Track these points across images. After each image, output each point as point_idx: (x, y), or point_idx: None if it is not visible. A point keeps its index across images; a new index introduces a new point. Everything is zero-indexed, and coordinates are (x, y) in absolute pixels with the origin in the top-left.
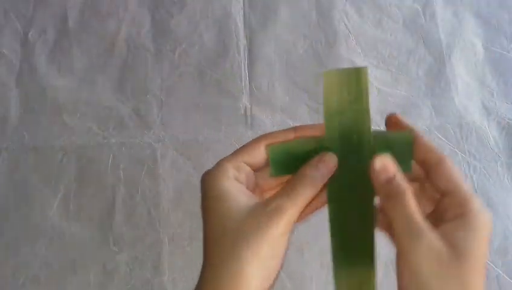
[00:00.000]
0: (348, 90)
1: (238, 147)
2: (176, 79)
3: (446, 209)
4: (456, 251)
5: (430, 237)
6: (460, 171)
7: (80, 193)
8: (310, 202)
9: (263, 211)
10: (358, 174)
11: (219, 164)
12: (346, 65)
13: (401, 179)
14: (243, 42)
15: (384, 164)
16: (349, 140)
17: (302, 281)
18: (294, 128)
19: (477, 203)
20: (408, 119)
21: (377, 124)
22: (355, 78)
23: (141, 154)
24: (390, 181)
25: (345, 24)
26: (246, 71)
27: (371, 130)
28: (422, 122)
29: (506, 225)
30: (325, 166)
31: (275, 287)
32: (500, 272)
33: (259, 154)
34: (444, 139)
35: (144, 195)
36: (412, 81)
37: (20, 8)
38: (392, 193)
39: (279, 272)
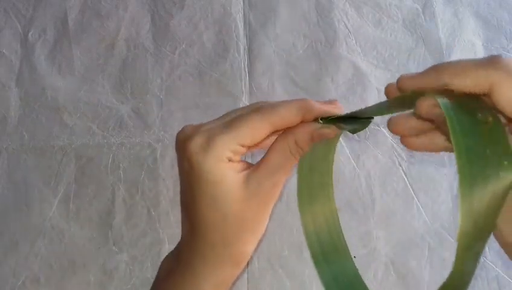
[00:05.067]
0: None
1: (232, 118)
2: (175, 79)
3: None
4: None
5: None
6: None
7: (79, 193)
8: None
9: (258, 197)
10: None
11: (215, 145)
12: (346, 65)
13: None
14: (242, 42)
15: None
16: None
17: (302, 281)
18: (299, 106)
19: None
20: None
21: (377, 124)
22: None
23: (141, 154)
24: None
25: (345, 24)
26: (246, 71)
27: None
28: None
29: None
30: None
31: (275, 287)
32: (500, 272)
33: (260, 136)
34: None
35: (144, 195)
36: None
37: (20, 8)
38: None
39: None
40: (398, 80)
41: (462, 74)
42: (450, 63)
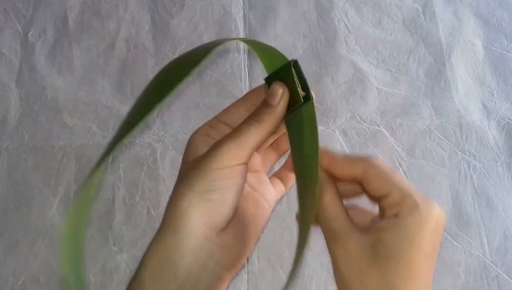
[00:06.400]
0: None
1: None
2: None
3: (384, 209)
4: (379, 251)
5: (349, 239)
6: (396, 170)
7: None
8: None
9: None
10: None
11: (220, 151)
12: (346, 65)
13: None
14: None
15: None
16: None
17: (302, 281)
18: (243, 99)
19: (412, 201)
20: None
21: (377, 124)
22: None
23: (141, 154)
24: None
25: (345, 24)
26: (246, 71)
27: None
28: (422, 122)
29: (506, 225)
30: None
31: (275, 287)
32: (500, 272)
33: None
34: (444, 139)
35: (144, 195)
36: (412, 81)
37: (20, 8)
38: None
39: (232, 212)
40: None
41: (346, 167)
42: (339, 158)
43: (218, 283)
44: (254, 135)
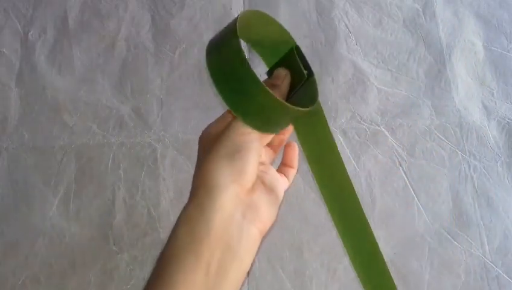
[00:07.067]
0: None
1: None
2: (176, 79)
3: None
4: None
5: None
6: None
7: (80, 193)
8: None
9: None
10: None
11: (237, 121)
12: (346, 65)
13: None
14: (243, 42)
15: None
16: None
17: (302, 281)
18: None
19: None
20: (408, 119)
21: (377, 124)
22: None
23: (141, 154)
24: None
25: (345, 24)
26: None
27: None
28: (422, 122)
29: (506, 225)
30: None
31: (276, 287)
32: (500, 272)
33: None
34: (444, 139)
35: (144, 195)
36: (412, 81)
37: (20, 8)
38: None
39: (254, 174)
40: None
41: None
42: None
43: (250, 239)
44: None
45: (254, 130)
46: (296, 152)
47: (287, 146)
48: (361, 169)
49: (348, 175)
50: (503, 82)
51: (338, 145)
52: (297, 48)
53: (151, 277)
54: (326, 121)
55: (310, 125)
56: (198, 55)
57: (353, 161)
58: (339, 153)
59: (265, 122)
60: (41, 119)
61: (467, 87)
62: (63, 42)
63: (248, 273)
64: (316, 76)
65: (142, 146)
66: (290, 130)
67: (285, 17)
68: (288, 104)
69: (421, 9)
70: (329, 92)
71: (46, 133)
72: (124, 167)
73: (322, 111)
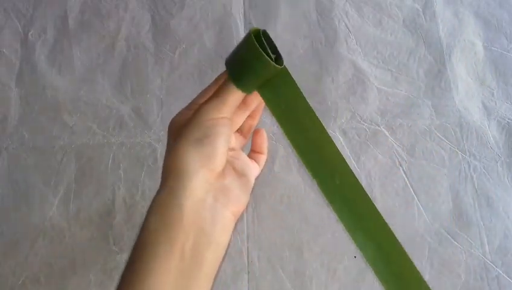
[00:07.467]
0: None
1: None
2: (175, 79)
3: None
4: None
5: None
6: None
7: (79, 193)
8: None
9: None
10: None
11: (206, 107)
12: (346, 64)
13: None
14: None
15: None
16: None
17: (302, 281)
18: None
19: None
20: (408, 119)
21: (377, 124)
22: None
23: (141, 154)
24: None
25: (345, 24)
26: None
27: None
28: (422, 122)
29: (506, 225)
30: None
31: (276, 287)
32: (500, 272)
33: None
34: (444, 139)
35: (144, 195)
36: (412, 81)
37: (20, 7)
38: None
39: (224, 159)
40: None
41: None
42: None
43: (224, 222)
44: (231, 93)
45: (224, 116)
46: (264, 138)
47: (256, 133)
48: (361, 169)
49: (328, 135)
50: (503, 82)
51: (338, 145)
52: (265, 33)
53: (127, 265)
54: (295, 82)
55: (280, 86)
56: (198, 55)
57: (353, 161)
58: (314, 113)
59: (245, 73)
60: (41, 119)
61: (467, 87)
62: (63, 42)
63: (224, 257)
64: (316, 76)
65: (142, 146)
66: (258, 112)
67: (285, 17)
68: (270, 59)
69: (421, 9)
70: (329, 92)
71: (46, 133)
72: (124, 167)
73: (290, 75)
